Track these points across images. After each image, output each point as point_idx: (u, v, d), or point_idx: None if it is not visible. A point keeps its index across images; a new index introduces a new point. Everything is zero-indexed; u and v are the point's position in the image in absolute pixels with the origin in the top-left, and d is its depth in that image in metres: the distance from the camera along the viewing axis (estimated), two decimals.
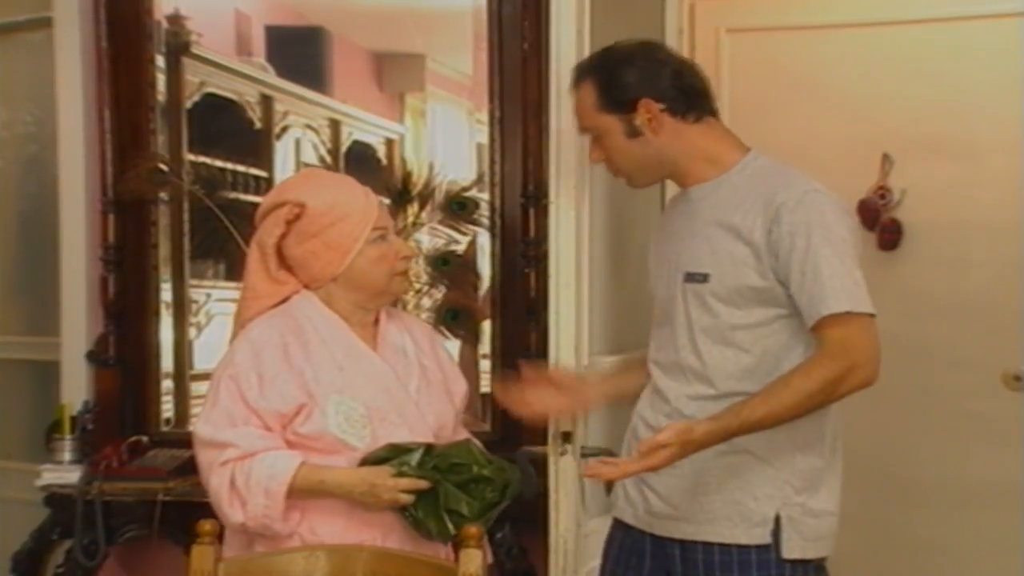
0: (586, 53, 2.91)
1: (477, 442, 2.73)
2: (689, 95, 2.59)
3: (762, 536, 2.50)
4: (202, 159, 4.21)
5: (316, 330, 2.65)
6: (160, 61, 3.81)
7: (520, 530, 3.43)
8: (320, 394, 2.59)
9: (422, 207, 3.87)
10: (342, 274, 2.66)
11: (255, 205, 4.86)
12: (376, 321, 2.74)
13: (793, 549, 2.50)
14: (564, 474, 2.94)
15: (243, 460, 2.55)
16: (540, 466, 2.87)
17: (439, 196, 3.86)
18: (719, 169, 2.60)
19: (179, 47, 4.08)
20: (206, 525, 2.42)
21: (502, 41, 3.54)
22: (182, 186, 3.87)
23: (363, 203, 2.68)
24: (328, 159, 5.18)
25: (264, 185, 4.96)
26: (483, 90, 3.70)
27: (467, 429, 2.86)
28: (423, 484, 2.57)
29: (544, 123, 3.44)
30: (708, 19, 4.31)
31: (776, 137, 4.40)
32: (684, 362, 2.56)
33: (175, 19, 4.05)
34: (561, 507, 2.93)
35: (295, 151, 5.40)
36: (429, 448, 2.61)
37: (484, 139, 3.78)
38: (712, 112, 2.63)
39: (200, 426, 2.62)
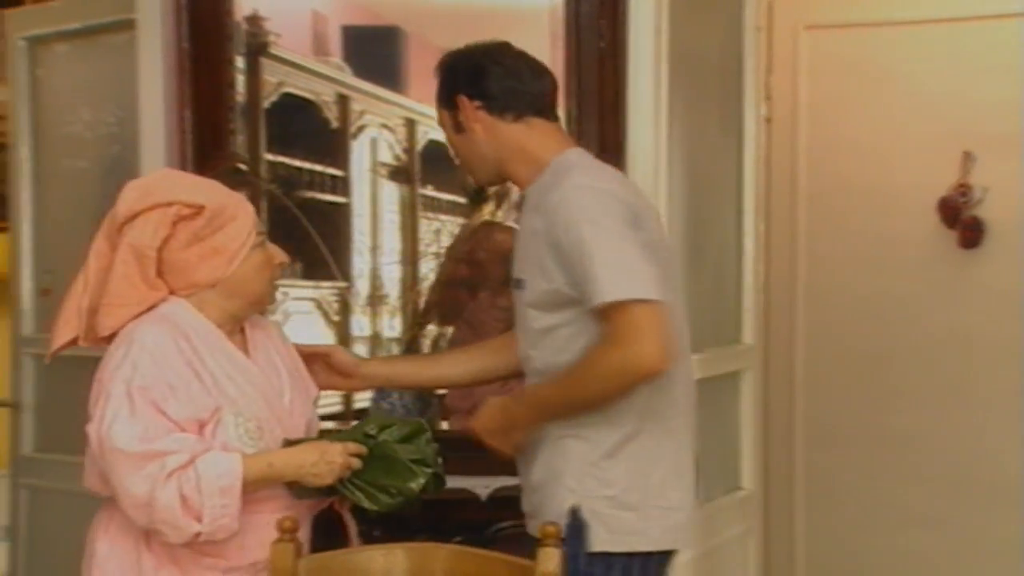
0: (664, 52, 2.91)
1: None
2: (511, 96, 2.64)
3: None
4: (280, 159, 4.25)
5: (199, 339, 2.52)
6: (239, 62, 3.84)
7: None
8: (223, 405, 2.49)
9: (498, 205, 3.88)
10: (223, 280, 2.53)
11: (332, 204, 4.94)
12: (241, 330, 2.63)
13: (596, 543, 2.55)
14: None
15: (185, 468, 2.41)
16: None
17: (515, 194, 3.86)
18: (537, 171, 2.63)
19: (258, 48, 4.12)
20: (286, 522, 2.43)
21: (579, 40, 3.53)
22: (260, 185, 3.91)
23: (246, 206, 2.58)
24: (404, 158, 5.21)
25: (340, 184, 4.99)
26: (559, 89, 3.69)
27: None
28: (363, 449, 2.56)
29: (621, 122, 3.44)
30: (786, 16, 4.28)
31: (855, 135, 4.39)
32: (526, 363, 2.67)
33: (254, 20, 4.10)
34: None
35: (371, 151, 5.43)
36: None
37: None
38: (540, 114, 2.67)
39: (121, 438, 2.40)
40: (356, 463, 2.55)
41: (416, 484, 2.59)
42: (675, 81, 3.10)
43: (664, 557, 2.62)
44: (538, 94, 2.69)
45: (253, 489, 2.48)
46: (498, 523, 3.38)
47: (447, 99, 2.68)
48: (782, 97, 4.27)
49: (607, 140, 3.55)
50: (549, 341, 2.58)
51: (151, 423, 2.41)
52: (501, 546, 2.73)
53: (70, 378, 3.41)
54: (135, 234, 2.49)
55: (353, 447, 2.56)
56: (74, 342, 2.62)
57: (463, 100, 2.64)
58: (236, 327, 2.61)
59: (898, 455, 4.25)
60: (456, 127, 2.67)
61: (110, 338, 2.53)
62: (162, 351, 2.46)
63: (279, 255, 2.63)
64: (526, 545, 2.48)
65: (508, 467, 3.38)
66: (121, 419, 2.41)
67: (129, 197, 2.54)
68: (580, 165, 2.61)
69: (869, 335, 4.36)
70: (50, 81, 4.19)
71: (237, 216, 2.54)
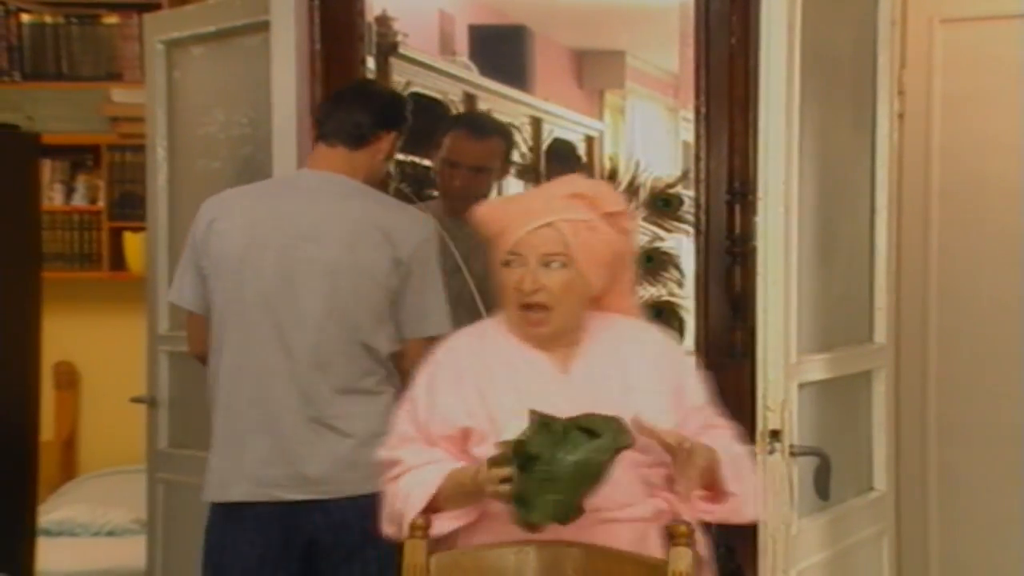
0: (796, 48, 2.88)
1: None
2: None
3: None
4: (409, 158, 4.28)
5: (499, 350, 2.60)
6: (370, 62, 3.88)
7: (727, 529, 3.39)
8: (500, 417, 2.50)
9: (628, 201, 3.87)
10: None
11: None
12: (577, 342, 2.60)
13: None
14: (772, 473, 2.91)
15: (403, 475, 2.55)
16: None
17: (644, 193, 3.85)
18: None
19: (387, 48, 4.16)
20: (419, 519, 2.46)
21: (709, 37, 3.51)
22: (390, 184, 3.94)
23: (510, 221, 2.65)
24: (530, 156, 5.22)
25: None
26: (688, 86, 3.68)
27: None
28: (504, 472, 2.36)
29: (751, 119, 3.41)
30: (921, 9, 4.19)
31: (992, 130, 4.29)
32: None
33: (383, 20, 4.14)
34: (770, 506, 2.90)
35: None
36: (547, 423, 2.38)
37: (687, 135, 3.76)
38: (318, 139, 3.31)
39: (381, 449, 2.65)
40: (505, 490, 2.37)
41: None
42: (807, 77, 3.06)
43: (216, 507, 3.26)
44: (323, 121, 3.33)
45: (447, 505, 2.51)
46: None
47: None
48: (916, 92, 4.19)
49: (736, 139, 3.53)
50: None
51: (401, 431, 2.61)
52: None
53: (203, 375, 3.48)
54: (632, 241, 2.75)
55: (494, 473, 2.39)
56: None
57: None
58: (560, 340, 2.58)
59: (1000, 452, 4.16)
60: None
61: None
62: (442, 363, 2.62)
63: (524, 282, 2.53)
64: None
65: None
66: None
67: (614, 197, 2.68)
68: None
69: (1002, 334, 4.26)
70: (186, 83, 4.27)
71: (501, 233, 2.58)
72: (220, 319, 3.22)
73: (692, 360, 2.69)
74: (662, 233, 3.89)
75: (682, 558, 2.35)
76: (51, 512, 5.31)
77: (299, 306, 3.11)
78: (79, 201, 5.75)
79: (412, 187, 4.02)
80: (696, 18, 3.54)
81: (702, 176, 3.62)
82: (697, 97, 3.59)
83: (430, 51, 5.23)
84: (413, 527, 2.46)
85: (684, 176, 3.84)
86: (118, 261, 5.61)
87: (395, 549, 2.62)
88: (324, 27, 3.72)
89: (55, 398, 5.80)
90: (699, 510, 2.51)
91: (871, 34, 3.51)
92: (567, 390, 2.54)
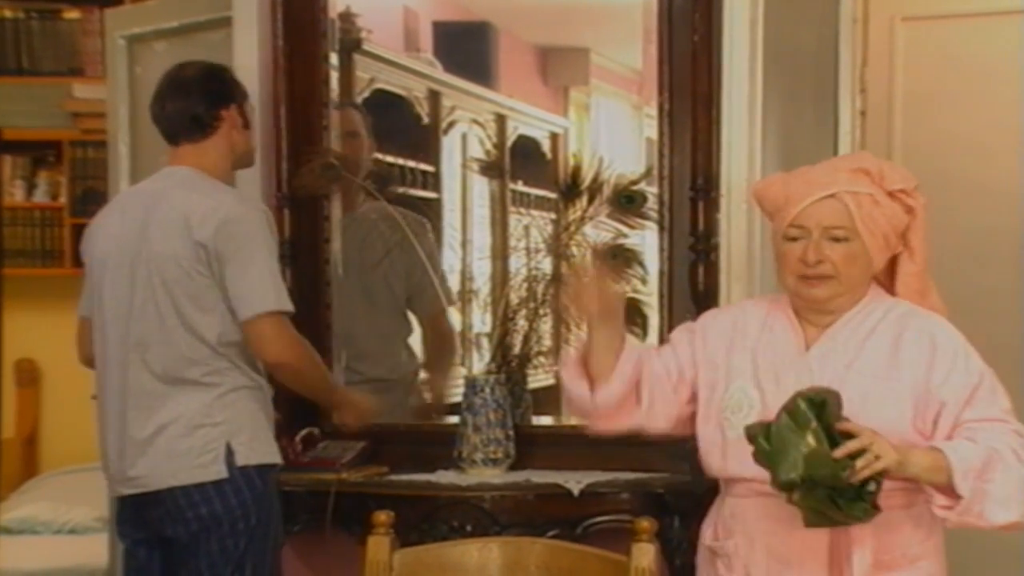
0: (759, 45, 2.90)
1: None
2: None
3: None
4: (373, 155, 4.26)
5: (766, 319, 2.63)
6: (333, 58, 3.87)
7: (689, 525, 3.41)
8: (735, 375, 2.58)
9: (590, 201, 3.87)
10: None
11: (424, 200, 4.95)
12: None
13: None
14: None
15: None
16: None
17: (607, 190, 3.84)
18: None
19: (350, 44, 4.14)
20: (381, 516, 2.46)
21: (672, 33, 3.51)
22: (353, 181, 3.93)
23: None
24: (494, 153, 5.21)
25: (431, 180, 5.01)
26: (652, 83, 3.68)
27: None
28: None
29: (714, 116, 3.42)
30: (883, 7, 4.22)
31: (951, 128, 4.32)
32: None
33: (347, 17, 4.12)
34: None
35: (461, 146, 5.44)
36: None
37: (651, 132, 3.75)
38: (168, 141, 3.36)
39: None
40: None
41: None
42: (769, 74, 3.08)
43: None
44: None
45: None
46: (590, 518, 3.38)
47: None
48: (877, 90, 4.22)
49: (699, 136, 3.54)
50: None
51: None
52: (592, 541, 2.74)
53: None
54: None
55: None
56: None
57: None
58: (821, 319, 2.58)
59: None
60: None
61: None
62: (715, 316, 2.76)
63: (808, 254, 2.52)
64: (619, 540, 2.48)
65: (600, 462, 3.39)
66: None
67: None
68: None
69: (966, 331, 4.28)
70: (148, 79, 4.23)
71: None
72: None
73: (965, 356, 2.54)
74: (625, 230, 3.88)
75: (644, 554, 2.36)
76: (12, 510, 5.28)
77: (128, 300, 3.20)
78: (40, 197, 5.71)
79: (377, 184, 4.00)
80: (659, 15, 3.54)
81: (665, 173, 3.62)
82: (660, 94, 3.59)
83: (394, 47, 5.20)
84: (376, 523, 2.46)
85: (648, 173, 3.84)
86: (80, 258, 5.57)
87: (245, 534, 3.04)
88: (287, 23, 3.70)
89: (16, 395, 5.77)
90: (938, 513, 2.44)
91: (833, 31, 3.52)
92: (796, 366, 2.54)
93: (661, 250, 3.67)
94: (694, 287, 3.58)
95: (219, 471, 3.11)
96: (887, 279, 2.65)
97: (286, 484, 3.48)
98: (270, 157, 3.73)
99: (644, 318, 3.88)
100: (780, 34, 3.05)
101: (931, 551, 2.56)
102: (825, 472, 2.29)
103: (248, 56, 3.68)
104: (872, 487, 2.32)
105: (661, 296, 3.69)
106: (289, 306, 3.17)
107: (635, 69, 5.21)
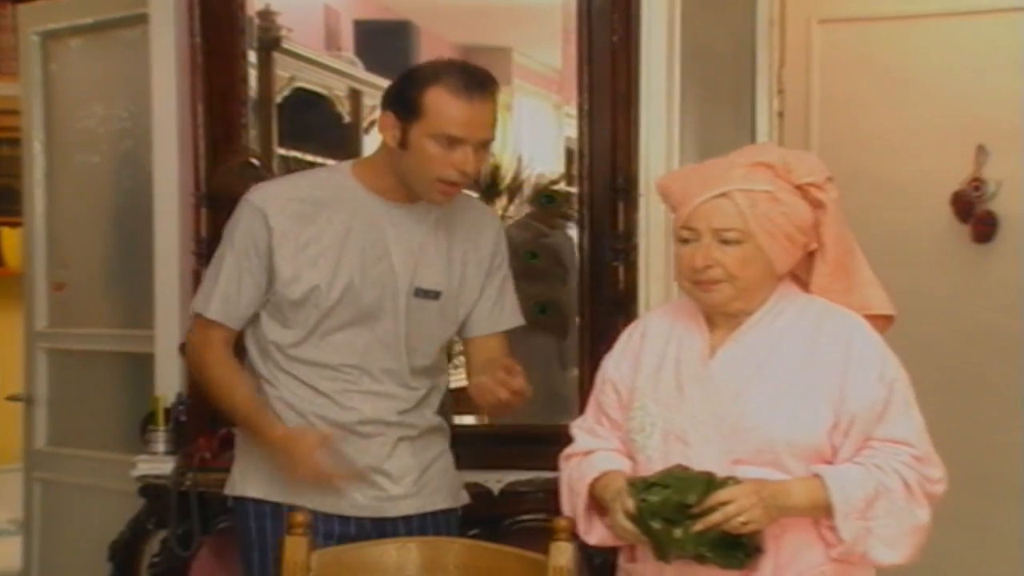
0: (677, 45, 2.91)
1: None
2: None
3: (464, 498, 2.99)
4: (292, 153, 4.23)
5: (672, 328, 2.48)
6: (252, 56, 3.84)
7: None
8: (637, 396, 2.45)
9: (510, 201, 3.87)
10: None
11: None
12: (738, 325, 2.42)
13: None
14: None
15: (579, 457, 2.52)
16: None
17: (527, 190, 3.85)
18: None
19: (270, 42, 4.11)
20: (298, 516, 2.44)
21: (591, 33, 3.52)
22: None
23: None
24: None
25: None
26: (571, 83, 3.69)
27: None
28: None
29: (633, 116, 3.43)
30: (799, 10, 4.26)
31: (868, 129, 4.38)
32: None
33: (266, 14, 4.08)
34: None
35: None
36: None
37: (572, 132, 3.76)
38: None
39: None
40: (628, 528, 2.33)
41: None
42: (687, 75, 3.10)
43: None
44: None
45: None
46: (511, 517, 3.38)
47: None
48: (795, 91, 4.26)
49: (618, 135, 3.55)
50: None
51: (593, 403, 2.60)
52: (513, 540, 2.74)
53: (82, 372, 3.43)
54: None
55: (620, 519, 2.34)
56: None
57: None
58: (730, 321, 2.43)
59: None
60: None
61: None
62: (626, 335, 2.59)
63: (696, 258, 2.38)
64: (539, 539, 2.48)
65: (520, 461, 3.39)
66: None
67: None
68: None
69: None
70: (63, 76, 4.20)
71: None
72: None
73: (881, 364, 2.35)
74: (546, 229, 3.89)
75: (563, 553, 2.36)
76: None
77: None
78: None
79: None
80: (578, 15, 3.55)
81: (585, 173, 3.63)
82: (580, 94, 3.60)
83: (315, 46, 5.17)
84: (293, 523, 2.44)
85: (568, 173, 3.85)
86: None
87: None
88: (204, 20, 3.66)
89: None
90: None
91: (750, 33, 3.55)
92: (699, 375, 2.40)
93: (581, 249, 3.68)
94: (614, 287, 3.59)
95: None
96: (809, 276, 2.49)
97: (205, 484, 3.45)
98: (188, 156, 3.70)
99: (564, 318, 3.89)
100: (698, 35, 3.07)
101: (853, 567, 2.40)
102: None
103: (165, 54, 3.65)
104: (747, 539, 2.29)
105: (581, 296, 3.69)
106: (201, 308, 2.86)
107: (556, 69, 5.21)
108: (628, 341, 2.56)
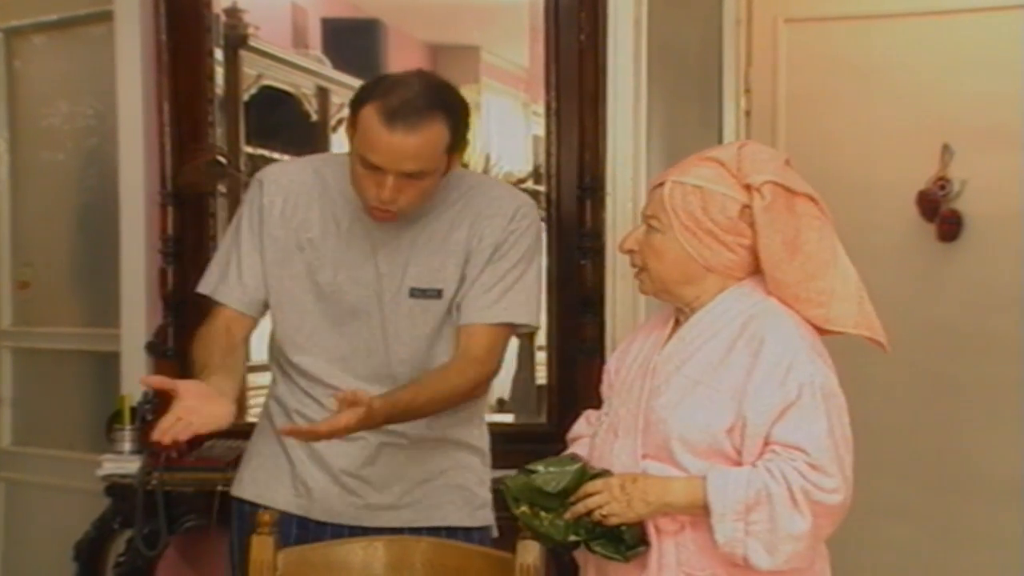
0: (644, 44, 2.91)
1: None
2: None
3: (485, 518, 2.75)
4: (259, 151, 4.22)
5: (656, 322, 2.51)
6: (218, 54, 3.83)
7: None
8: (617, 379, 2.49)
9: None
10: None
11: None
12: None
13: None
14: None
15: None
16: None
17: None
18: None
19: (237, 40, 4.10)
20: (264, 515, 2.43)
21: (559, 32, 3.53)
22: (240, 178, 3.89)
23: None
24: None
25: None
26: (539, 81, 3.70)
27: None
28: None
29: (600, 115, 3.44)
30: (766, 9, 4.28)
31: (834, 128, 4.39)
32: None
33: (233, 12, 4.07)
34: None
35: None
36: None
37: (540, 131, 3.77)
38: None
39: None
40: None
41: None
42: (654, 74, 3.11)
43: None
44: None
45: None
46: None
47: (458, 144, 2.54)
48: (761, 90, 4.27)
49: (586, 134, 3.56)
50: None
51: None
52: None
53: (48, 371, 3.41)
54: None
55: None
56: None
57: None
58: (681, 315, 2.43)
59: (875, 447, 4.23)
60: (445, 170, 2.55)
61: None
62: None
63: (626, 240, 2.43)
64: (506, 537, 2.48)
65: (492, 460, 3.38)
66: None
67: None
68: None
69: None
70: (27, 73, 4.18)
71: None
72: None
73: (786, 368, 2.26)
74: None
75: (530, 551, 2.36)
76: None
77: None
78: None
79: None
80: (545, 14, 3.56)
81: (553, 171, 3.64)
82: (547, 92, 3.61)
83: (282, 44, 5.16)
84: (260, 522, 2.43)
85: (535, 171, 3.86)
86: None
87: None
88: (170, 18, 3.65)
89: None
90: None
91: (717, 32, 3.57)
92: (644, 369, 2.40)
93: (549, 248, 3.69)
94: (581, 285, 3.60)
95: None
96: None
97: (171, 483, 3.44)
98: (154, 153, 3.69)
99: None
100: (665, 34, 3.08)
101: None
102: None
103: (130, 51, 3.64)
104: (624, 531, 2.31)
105: (549, 295, 3.70)
106: (199, 286, 2.72)
107: (524, 67, 5.22)
108: (630, 333, 2.64)
